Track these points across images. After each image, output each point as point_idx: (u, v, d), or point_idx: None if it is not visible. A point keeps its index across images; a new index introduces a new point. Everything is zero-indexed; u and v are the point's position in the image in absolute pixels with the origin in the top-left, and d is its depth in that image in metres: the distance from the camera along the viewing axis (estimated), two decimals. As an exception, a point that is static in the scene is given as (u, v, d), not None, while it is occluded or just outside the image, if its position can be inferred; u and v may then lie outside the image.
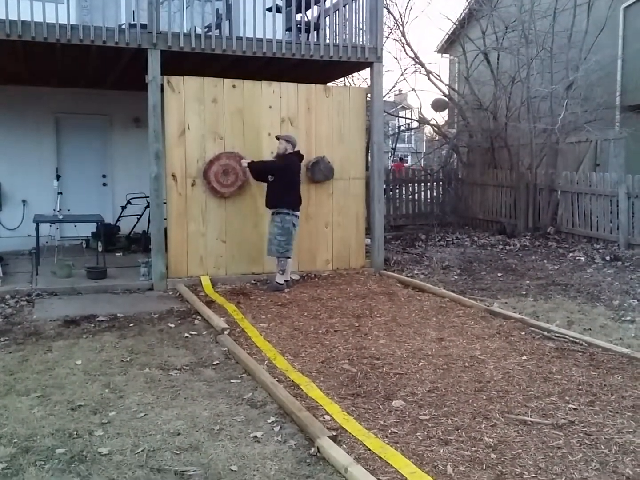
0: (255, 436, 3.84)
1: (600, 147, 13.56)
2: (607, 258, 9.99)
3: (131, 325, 6.39)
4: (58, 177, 11.33)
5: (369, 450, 3.63)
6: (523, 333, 6.02)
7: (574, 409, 4.21)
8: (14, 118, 11.07)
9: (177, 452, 3.64)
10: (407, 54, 15.07)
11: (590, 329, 6.20)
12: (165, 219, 8.33)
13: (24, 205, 11.20)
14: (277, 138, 8.03)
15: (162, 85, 8.07)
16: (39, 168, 11.27)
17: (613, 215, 10.88)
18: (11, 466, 3.47)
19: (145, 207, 10.20)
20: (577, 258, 10.27)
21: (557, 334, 5.85)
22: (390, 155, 21.46)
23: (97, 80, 10.51)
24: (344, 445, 3.67)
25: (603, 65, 13.06)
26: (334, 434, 3.77)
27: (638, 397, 4.40)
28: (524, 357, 5.29)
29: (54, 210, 10.59)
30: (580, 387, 4.60)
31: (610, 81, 13.50)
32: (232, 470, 3.43)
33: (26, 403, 4.37)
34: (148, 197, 8.98)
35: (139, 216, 10.69)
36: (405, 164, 20.28)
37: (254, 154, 8.54)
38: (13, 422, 4.03)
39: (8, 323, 6.43)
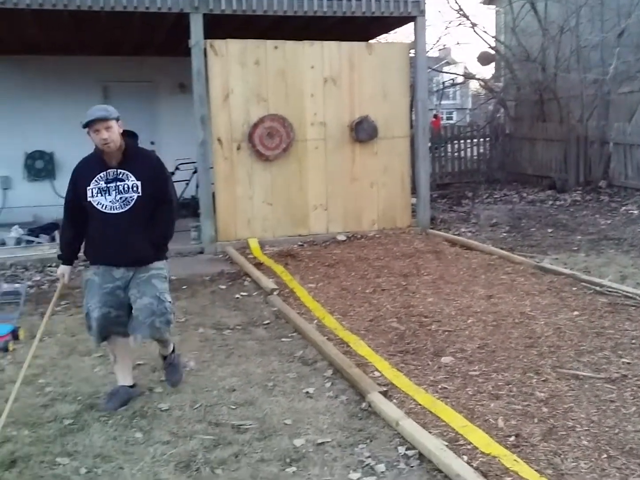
0: (308, 392, 3.94)
1: (654, 96, 13.05)
2: (662, 211, 9.73)
3: (184, 287, 6.56)
4: (108, 145, 11.51)
5: (419, 405, 3.69)
6: (574, 289, 5.95)
7: (627, 362, 4.17)
8: (66, 88, 11.23)
9: (234, 407, 3.77)
10: (451, 6, 14.78)
11: (644, 284, 6.08)
12: (212, 183, 8.44)
13: (76, 174, 11.43)
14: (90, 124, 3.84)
15: (205, 49, 8.10)
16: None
17: (669, 166, 10.53)
18: (77, 422, 3.66)
19: (193, 172, 10.32)
20: (630, 212, 10.01)
21: (609, 289, 5.76)
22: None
23: (141, 47, 10.59)
24: (395, 401, 3.73)
25: (658, 10, 12.49)
26: (385, 389, 3.83)
27: (694, 351, 4.34)
28: (576, 313, 5.24)
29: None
30: (633, 342, 4.55)
31: (665, 26, 12.92)
32: (286, 424, 3.54)
33: (88, 362, 4.57)
34: (195, 162, 9.10)
35: (187, 181, 10.83)
36: (441, 120, 19.54)
37: (297, 114, 8.54)
38: (77, 381, 4.23)
39: (67, 287, 6.61)
